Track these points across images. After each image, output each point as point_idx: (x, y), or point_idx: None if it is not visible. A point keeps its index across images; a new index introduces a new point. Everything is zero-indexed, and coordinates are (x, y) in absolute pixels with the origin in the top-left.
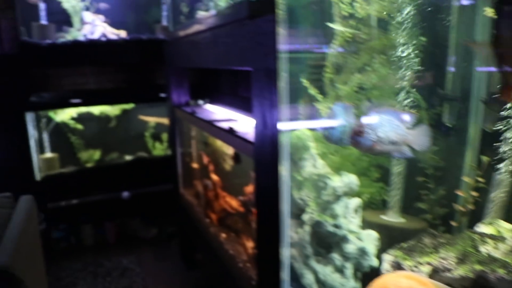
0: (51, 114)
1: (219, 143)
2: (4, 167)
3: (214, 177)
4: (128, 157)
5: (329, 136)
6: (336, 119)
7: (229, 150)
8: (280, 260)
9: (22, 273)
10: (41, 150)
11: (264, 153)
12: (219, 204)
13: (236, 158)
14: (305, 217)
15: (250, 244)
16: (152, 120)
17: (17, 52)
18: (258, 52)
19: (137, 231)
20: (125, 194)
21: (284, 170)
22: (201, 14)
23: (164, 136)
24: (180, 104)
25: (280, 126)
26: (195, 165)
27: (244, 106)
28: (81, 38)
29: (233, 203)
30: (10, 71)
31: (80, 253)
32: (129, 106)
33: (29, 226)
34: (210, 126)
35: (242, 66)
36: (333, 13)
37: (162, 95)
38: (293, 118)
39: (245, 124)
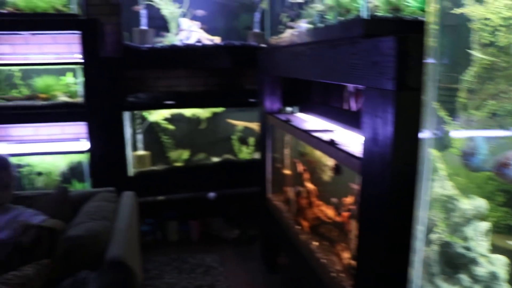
0: (145, 114)
1: (317, 153)
2: (103, 162)
3: (309, 185)
4: (215, 159)
5: (469, 163)
6: (478, 147)
7: (328, 160)
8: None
9: (131, 265)
10: (134, 147)
11: (373, 170)
12: (313, 212)
13: (337, 169)
14: (433, 236)
15: (346, 254)
16: (239, 124)
17: (120, 55)
18: (372, 71)
19: (220, 231)
20: (211, 194)
21: (418, 190)
22: (304, 25)
23: (251, 140)
24: (273, 111)
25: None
26: (287, 172)
27: (336, 116)
28: (177, 43)
29: (329, 212)
30: (112, 72)
31: (165, 248)
32: (219, 109)
33: (132, 221)
34: (308, 136)
35: (351, 83)
36: (471, 39)
37: (251, 100)
38: (420, 138)
39: (343, 136)
